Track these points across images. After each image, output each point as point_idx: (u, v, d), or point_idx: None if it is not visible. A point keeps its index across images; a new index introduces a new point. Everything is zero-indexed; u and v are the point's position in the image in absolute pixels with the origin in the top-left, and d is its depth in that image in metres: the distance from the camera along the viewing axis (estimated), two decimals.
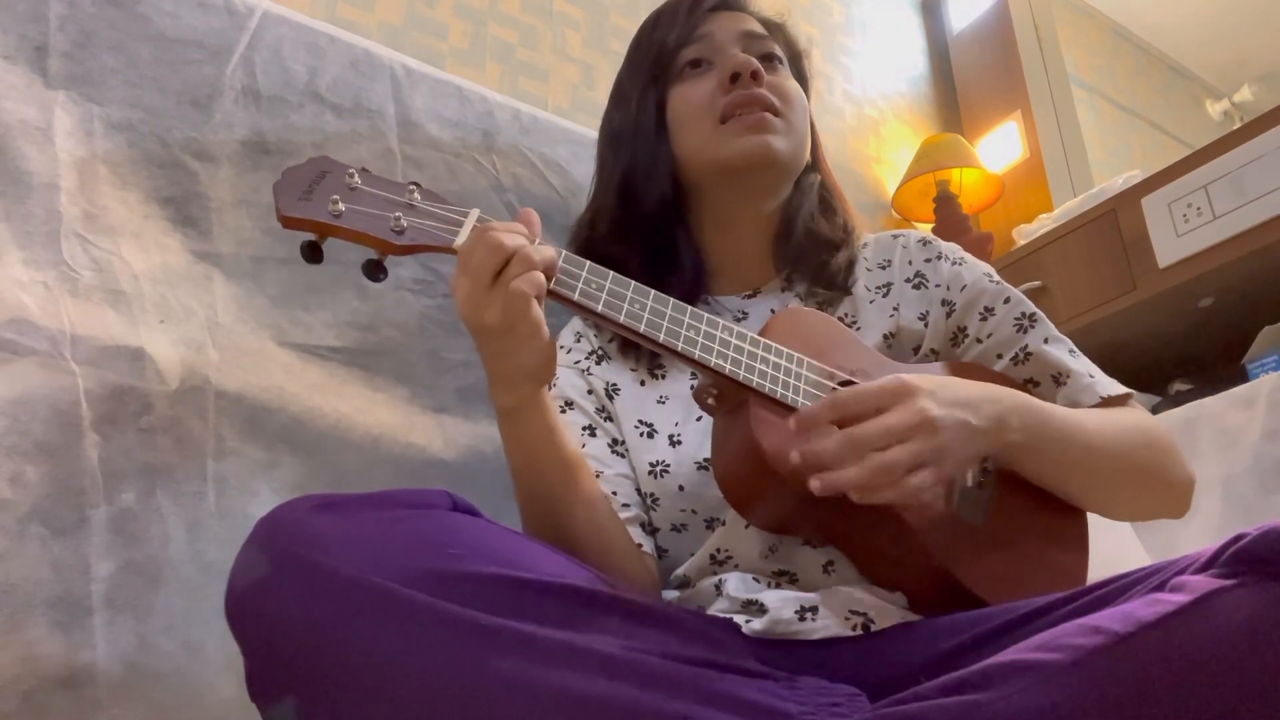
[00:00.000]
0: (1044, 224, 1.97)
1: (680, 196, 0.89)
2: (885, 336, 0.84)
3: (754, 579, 0.72)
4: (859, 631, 0.65)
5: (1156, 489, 0.78)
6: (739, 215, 0.89)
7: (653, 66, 0.89)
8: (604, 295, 0.66)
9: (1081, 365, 0.82)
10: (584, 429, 0.82)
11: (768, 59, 0.88)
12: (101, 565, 0.71)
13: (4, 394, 0.70)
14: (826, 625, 0.66)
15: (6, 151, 0.76)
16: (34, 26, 0.81)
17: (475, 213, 0.67)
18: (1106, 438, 0.74)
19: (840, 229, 0.90)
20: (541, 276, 0.62)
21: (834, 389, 0.71)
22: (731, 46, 0.87)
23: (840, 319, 0.85)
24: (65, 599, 0.69)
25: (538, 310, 0.62)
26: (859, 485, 0.60)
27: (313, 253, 0.64)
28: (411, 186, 0.67)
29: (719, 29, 0.89)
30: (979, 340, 0.84)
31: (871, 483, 0.60)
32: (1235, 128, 1.62)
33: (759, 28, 0.91)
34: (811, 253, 0.88)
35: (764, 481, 0.66)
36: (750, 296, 0.90)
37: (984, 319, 0.84)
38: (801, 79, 0.95)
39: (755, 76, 0.84)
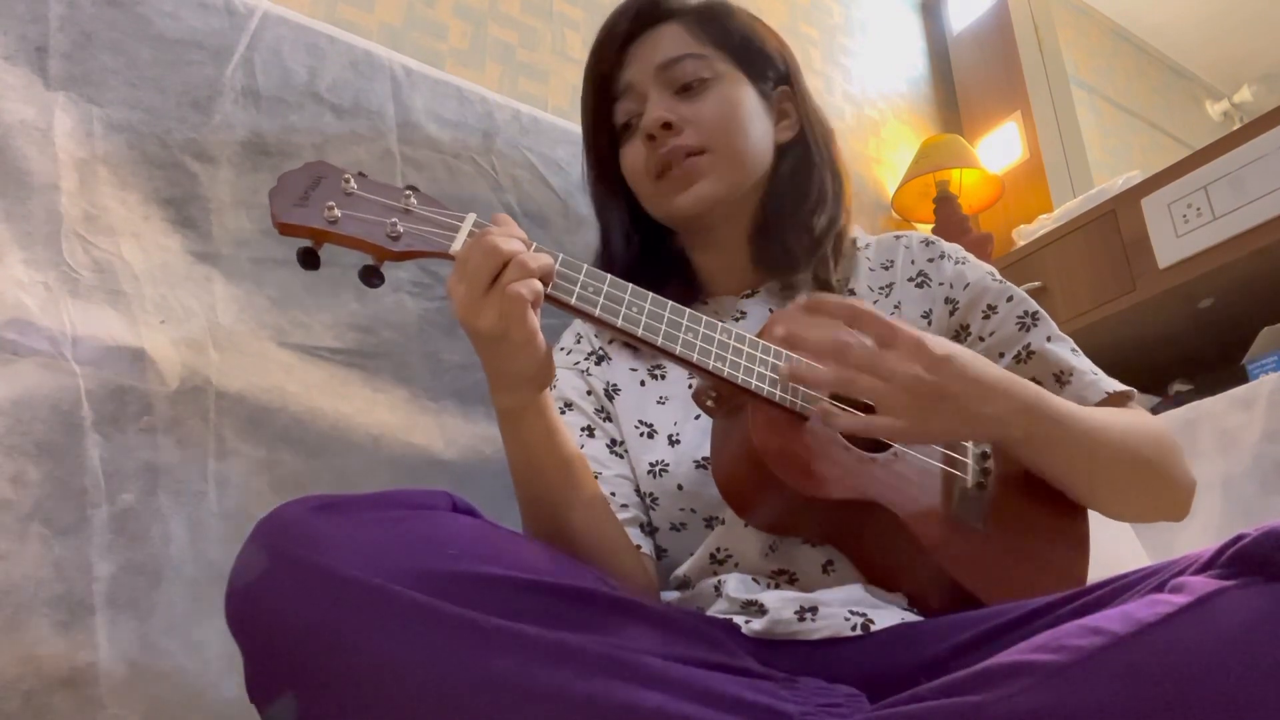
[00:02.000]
0: (1044, 224, 1.97)
1: (660, 229, 0.92)
2: None
3: (753, 580, 0.72)
4: (858, 632, 0.65)
5: (1158, 489, 0.78)
6: (718, 236, 0.90)
7: (593, 130, 0.93)
8: (601, 299, 0.66)
9: (1084, 363, 0.82)
10: (582, 430, 0.82)
11: (690, 86, 0.86)
12: (103, 565, 0.71)
13: (5, 394, 0.70)
14: (826, 625, 0.66)
15: (6, 152, 0.77)
16: (34, 27, 0.81)
17: (471, 217, 0.67)
18: (1112, 434, 0.74)
19: (808, 217, 0.88)
20: (538, 284, 0.62)
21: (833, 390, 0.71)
22: (652, 92, 0.87)
23: None
24: (67, 599, 0.69)
25: (533, 318, 0.62)
26: (819, 383, 0.65)
27: (309, 259, 0.63)
28: (408, 191, 0.66)
29: (638, 72, 0.88)
30: (981, 338, 0.84)
31: (831, 386, 0.64)
32: (1235, 128, 1.62)
33: (678, 45, 0.88)
34: (783, 258, 0.87)
35: (763, 484, 0.66)
36: (749, 296, 0.90)
37: (986, 317, 0.84)
38: (755, 59, 0.91)
39: (667, 127, 0.84)
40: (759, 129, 0.89)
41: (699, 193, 0.84)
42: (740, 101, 0.88)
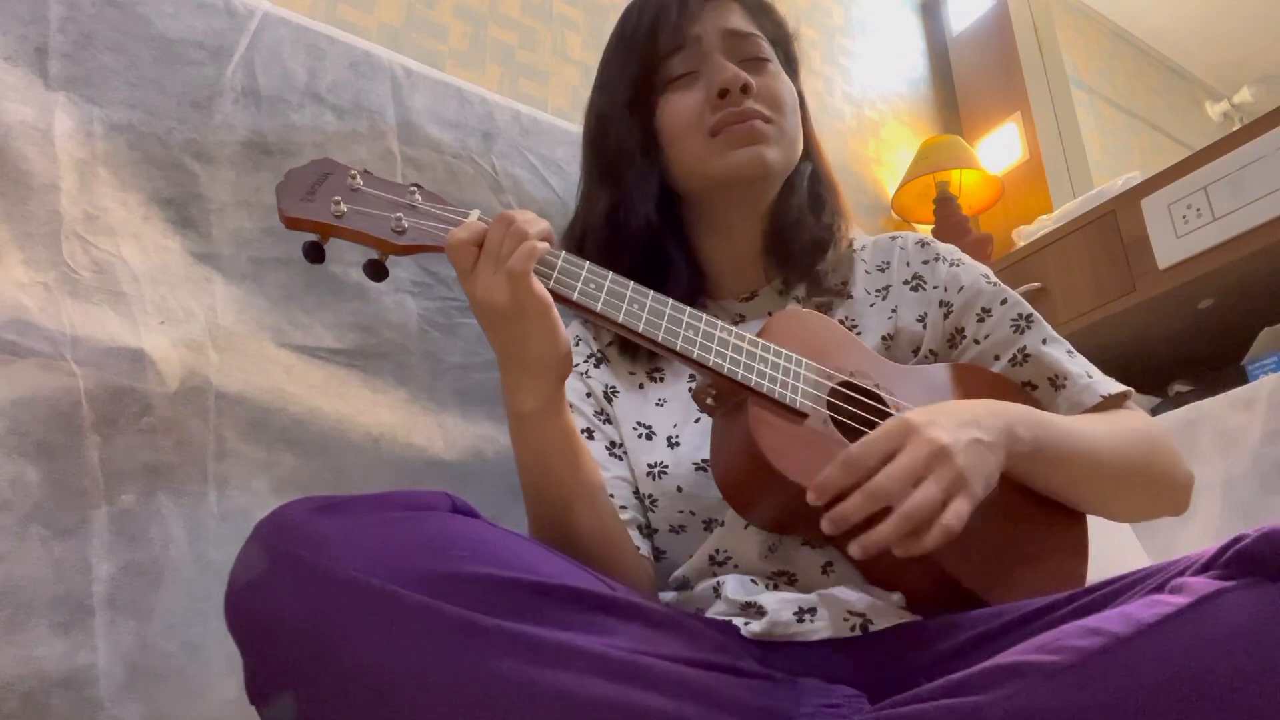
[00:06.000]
0: (1044, 225, 1.98)
1: (674, 205, 0.89)
2: (884, 338, 0.84)
3: (752, 581, 0.72)
4: (857, 632, 0.65)
5: (1157, 489, 0.78)
6: (733, 220, 0.89)
7: (639, 74, 0.87)
8: (603, 295, 0.67)
9: (1079, 366, 0.82)
10: (581, 432, 0.82)
11: (756, 61, 0.87)
12: (102, 566, 0.71)
13: (5, 395, 0.70)
14: (825, 626, 0.66)
15: (6, 152, 0.76)
16: (34, 28, 0.81)
17: (475, 213, 0.68)
18: (1108, 442, 0.74)
19: (825, 228, 0.89)
20: (536, 243, 0.63)
21: (832, 389, 0.71)
22: (717, 53, 0.85)
23: (840, 322, 0.85)
24: (66, 600, 0.69)
25: (541, 288, 0.63)
26: (898, 536, 0.59)
27: (315, 253, 0.65)
28: (413, 188, 0.68)
29: (706, 30, 0.86)
30: (976, 341, 0.84)
31: (909, 529, 0.59)
32: (1235, 129, 1.62)
33: (745, 23, 0.89)
34: (800, 257, 0.87)
35: (763, 481, 0.66)
36: (748, 299, 0.90)
37: (981, 320, 0.84)
38: (790, 61, 0.94)
39: (745, 89, 0.83)
40: (799, 123, 0.90)
41: (759, 153, 0.83)
42: (792, 91, 0.90)
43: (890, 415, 0.72)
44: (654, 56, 0.87)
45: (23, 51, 0.80)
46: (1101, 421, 0.77)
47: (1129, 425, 0.78)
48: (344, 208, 0.64)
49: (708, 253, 0.91)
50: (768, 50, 0.89)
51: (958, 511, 0.60)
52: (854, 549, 0.60)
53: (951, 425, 0.63)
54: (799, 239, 0.88)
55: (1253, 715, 0.42)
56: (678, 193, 0.89)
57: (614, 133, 0.88)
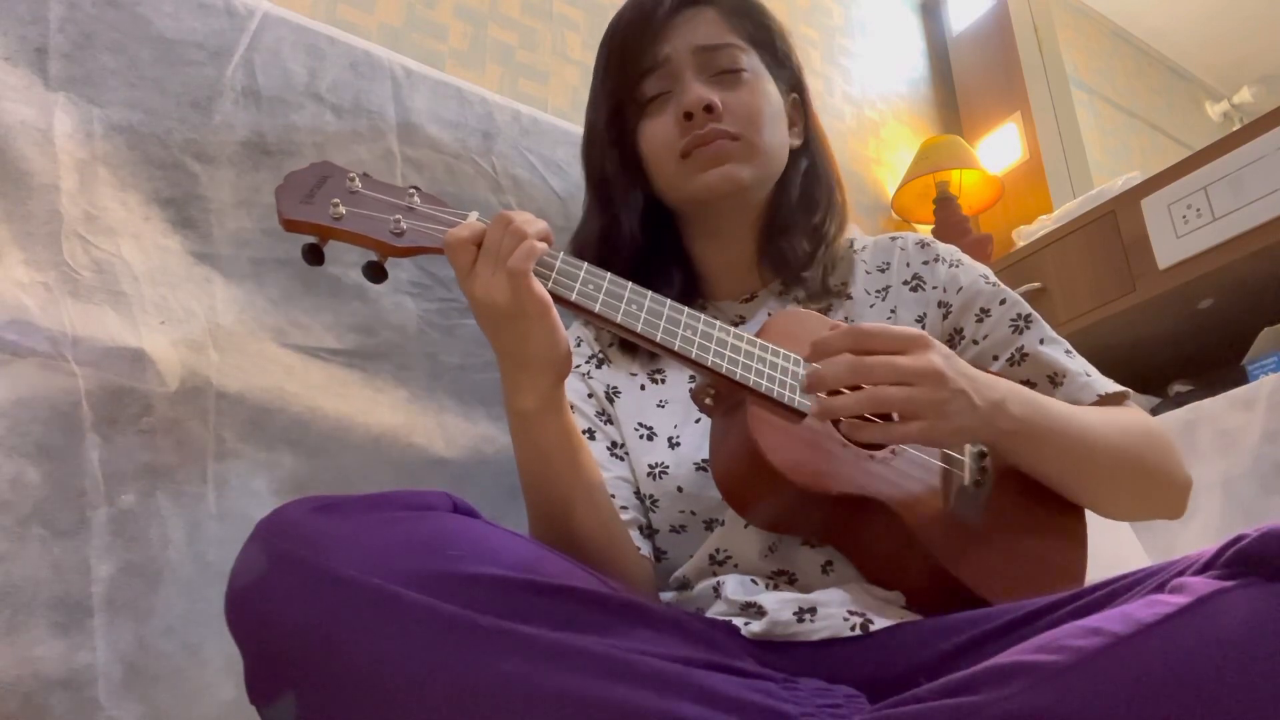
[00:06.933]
0: (1044, 225, 1.98)
1: (667, 216, 0.91)
2: None
3: (752, 581, 0.72)
4: (857, 632, 0.65)
5: (1154, 488, 0.78)
6: (724, 228, 0.90)
7: (617, 97, 0.88)
8: (601, 295, 0.67)
9: (1077, 365, 0.82)
10: (583, 433, 0.82)
11: (728, 74, 0.86)
12: (101, 566, 0.71)
13: (4, 395, 0.70)
14: (825, 626, 0.66)
15: (7, 152, 0.77)
16: (34, 28, 0.81)
17: (473, 215, 0.68)
18: (1105, 434, 0.74)
19: (818, 231, 0.89)
20: (535, 243, 0.64)
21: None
22: (687, 72, 0.85)
23: (840, 322, 0.85)
24: (65, 600, 0.69)
25: (541, 288, 0.64)
26: (850, 410, 0.63)
27: (314, 255, 0.65)
28: (412, 190, 0.68)
29: (676, 49, 0.86)
30: (975, 341, 0.84)
31: (868, 409, 0.63)
32: (1235, 129, 1.62)
33: (719, 32, 0.87)
34: (793, 263, 0.87)
35: (762, 481, 0.66)
36: (748, 301, 0.90)
37: (980, 320, 0.84)
38: (779, 60, 0.92)
39: (710, 109, 0.83)
40: (781, 130, 0.89)
41: (728, 172, 0.83)
42: (771, 99, 0.88)
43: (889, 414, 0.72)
44: (629, 79, 0.87)
45: (23, 51, 0.80)
46: (1098, 413, 0.77)
47: (1127, 419, 0.78)
48: (343, 210, 0.64)
49: (704, 258, 0.91)
50: (743, 60, 0.87)
51: (911, 431, 0.64)
52: (814, 406, 0.65)
53: (957, 371, 0.66)
54: (791, 245, 0.88)
55: (1253, 715, 0.41)
56: (669, 209, 0.90)
57: (599, 153, 0.90)
